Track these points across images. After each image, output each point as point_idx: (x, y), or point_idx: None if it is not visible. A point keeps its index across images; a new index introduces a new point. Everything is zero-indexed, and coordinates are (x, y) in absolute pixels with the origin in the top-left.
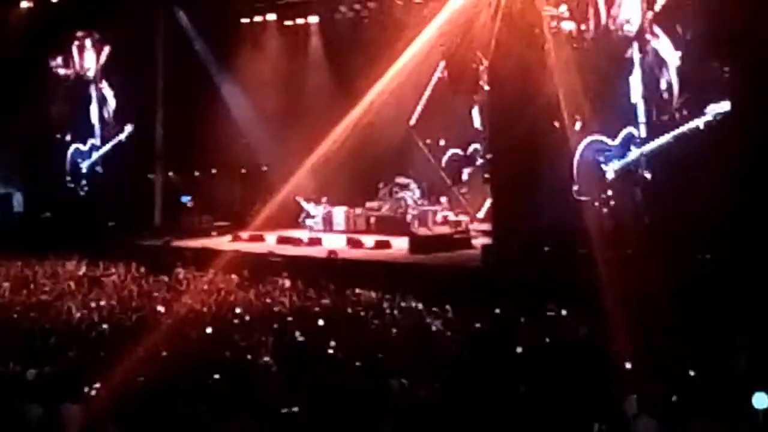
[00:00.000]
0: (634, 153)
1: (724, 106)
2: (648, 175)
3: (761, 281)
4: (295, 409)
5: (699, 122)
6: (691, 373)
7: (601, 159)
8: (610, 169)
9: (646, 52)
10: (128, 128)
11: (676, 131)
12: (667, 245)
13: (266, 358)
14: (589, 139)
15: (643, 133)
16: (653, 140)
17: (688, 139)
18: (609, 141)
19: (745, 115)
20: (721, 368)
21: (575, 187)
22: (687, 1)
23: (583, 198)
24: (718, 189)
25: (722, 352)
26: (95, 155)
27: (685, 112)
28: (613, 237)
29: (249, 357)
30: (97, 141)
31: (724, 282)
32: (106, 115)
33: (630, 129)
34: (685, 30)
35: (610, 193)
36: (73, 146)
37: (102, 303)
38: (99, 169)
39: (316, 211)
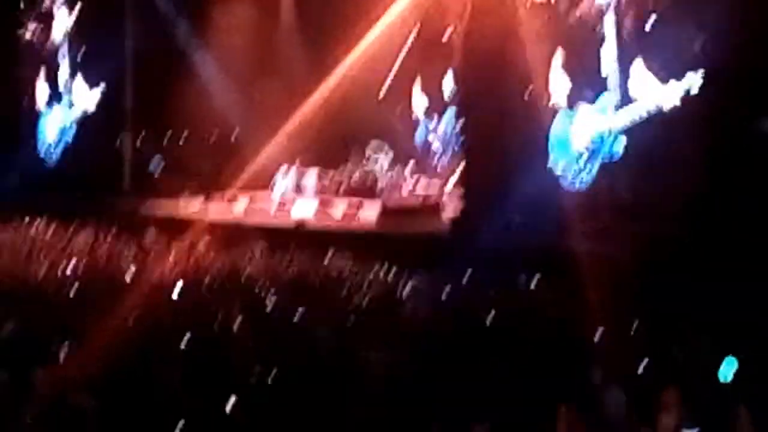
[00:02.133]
0: (605, 124)
1: (696, 79)
2: (620, 149)
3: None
4: (264, 377)
5: (670, 97)
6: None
7: (574, 132)
8: (582, 142)
9: (619, 24)
10: (97, 92)
11: (652, 103)
12: (640, 220)
13: (236, 325)
14: (562, 111)
15: (615, 106)
16: (624, 113)
17: (659, 113)
18: (581, 113)
19: (717, 86)
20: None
21: (550, 160)
22: None
23: (556, 170)
24: (690, 165)
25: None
26: (71, 116)
27: (661, 77)
28: (585, 209)
29: (218, 320)
30: (66, 106)
31: (695, 257)
32: (76, 76)
33: (608, 95)
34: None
35: (582, 166)
36: (42, 111)
37: (70, 265)
38: (70, 132)
39: (288, 174)
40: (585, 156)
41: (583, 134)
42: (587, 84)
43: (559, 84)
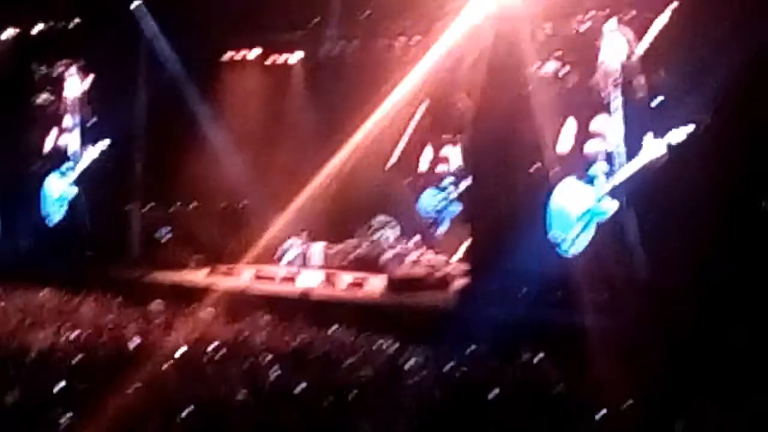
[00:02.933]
0: (601, 189)
1: (686, 130)
2: (614, 210)
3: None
4: None
5: (660, 148)
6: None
7: (572, 201)
8: (580, 210)
9: (627, 95)
10: (104, 143)
11: (638, 164)
12: (647, 290)
13: (239, 395)
14: (563, 182)
15: (607, 173)
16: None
17: (649, 171)
18: (580, 183)
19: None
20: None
21: (550, 231)
22: (669, 45)
23: (557, 241)
24: (690, 224)
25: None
26: (72, 180)
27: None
28: (589, 281)
29: (222, 392)
30: (75, 171)
31: (707, 334)
32: (87, 144)
33: (600, 164)
34: (667, 75)
35: (577, 234)
36: (51, 175)
37: (75, 334)
38: (76, 199)
39: (294, 247)
40: (580, 224)
41: (578, 203)
42: (592, 157)
43: (564, 156)
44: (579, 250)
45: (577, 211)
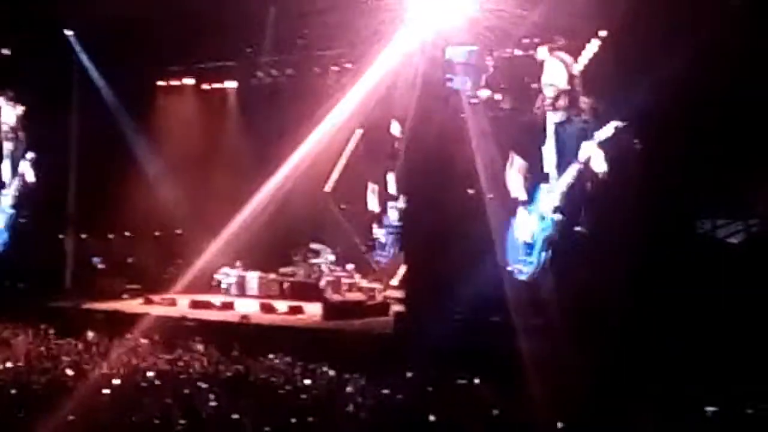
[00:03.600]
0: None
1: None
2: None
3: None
4: None
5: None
6: None
7: (519, 226)
8: (526, 235)
9: (560, 123)
10: (30, 155)
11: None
12: (581, 316)
13: (177, 425)
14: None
15: (556, 202)
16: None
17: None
18: (523, 212)
19: (650, 194)
20: None
21: (498, 256)
22: (602, 71)
23: (504, 266)
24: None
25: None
26: (4, 217)
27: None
28: (527, 306)
29: (157, 422)
30: (8, 200)
31: (638, 348)
32: (18, 173)
33: (541, 188)
34: (599, 100)
35: (526, 260)
36: None
37: (9, 365)
38: (9, 229)
39: (230, 275)
40: (528, 249)
41: (527, 228)
42: (531, 180)
43: (515, 188)
44: (527, 275)
45: (528, 238)
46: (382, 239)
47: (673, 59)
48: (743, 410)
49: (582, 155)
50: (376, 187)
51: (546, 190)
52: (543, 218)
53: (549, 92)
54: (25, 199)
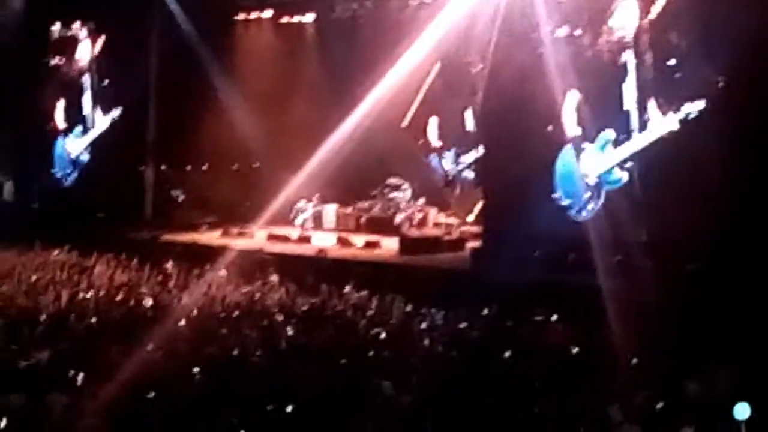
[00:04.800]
0: (611, 157)
1: (699, 105)
2: (626, 180)
3: (752, 291)
4: (282, 406)
5: (673, 123)
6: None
7: (582, 167)
8: (592, 175)
9: (640, 59)
10: (116, 112)
11: (652, 133)
12: (657, 253)
13: (254, 356)
14: (569, 145)
15: (616, 141)
16: (629, 141)
17: (665, 141)
18: (590, 145)
19: (725, 117)
20: (708, 380)
21: (557, 194)
22: (682, 9)
23: (567, 205)
24: (699, 195)
25: (709, 363)
26: (85, 144)
27: (663, 110)
28: (601, 243)
29: (236, 353)
30: (88, 131)
31: (715, 293)
32: (99, 105)
33: (609, 132)
34: (680, 39)
35: (588, 198)
36: (65, 136)
37: (90, 294)
38: (90, 159)
39: (307, 208)
40: (591, 189)
41: (588, 168)
42: (608, 119)
43: (573, 119)
44: (589, 215)
45: (587, 177)
46: (457, 179)
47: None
48: None
49: (659, 125)
50: (436, 119)
51: (616, 137)
52: (609, 171)
53: (624, 31)
54: (103, 137)
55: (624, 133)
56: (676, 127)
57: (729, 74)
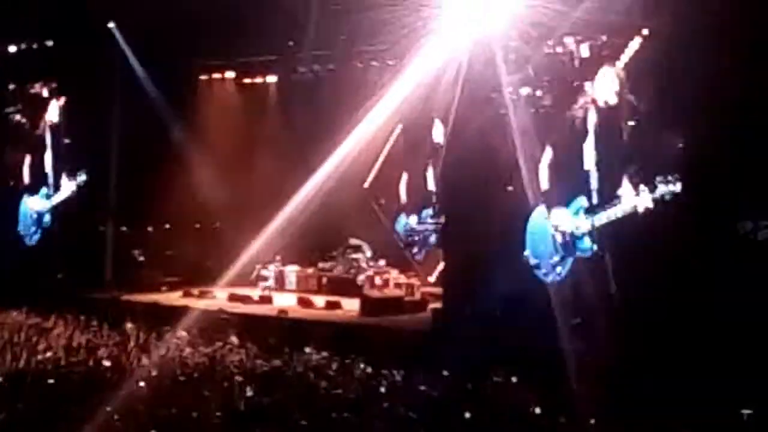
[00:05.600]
0: (583, 223)
1: (676, 186)
2: (595, 247)
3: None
4: None
5: (647, 200)
6: None
7: (553, 227)
8: (560, 237)
9: (601, 119)
10: (81, 177)
11: (625, 207)
12: (618, 316)
13: (214, 418)
14: (541, 207)
15: (594, 201)
16: (602, 211)
17: (635, 215)
18: (561, 209)
19: (694, 193)
20: None
21: (526, 254)
22: (645, 69)
23: (534, 265)
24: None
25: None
26: (47, 205)
27: (635, 183)
28: (564, 304)
29: (195, 415)
30: (50, 190)
31: (679, 352)
32: (60, 164)
33: (581, 198)
34: (641, 99)
35: (559, 260)
36: (26, 195)
37: (48, 355)
38: (51, 219)
39: (269, 270)
40: (561, 254)
41: (560, 231)
42: (568, 179)
43: (542, 182)
44: (557, 278)
45: (558, 241)
46: (418, 239)
47: (717, 59)
48: None
49: (630, 199)
50: (406, 176)
51: (587, 204)
52: (580, 238)
53: (587, 91)
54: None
55: (591, 199)
56: (650, 205)
57: (688, 137)
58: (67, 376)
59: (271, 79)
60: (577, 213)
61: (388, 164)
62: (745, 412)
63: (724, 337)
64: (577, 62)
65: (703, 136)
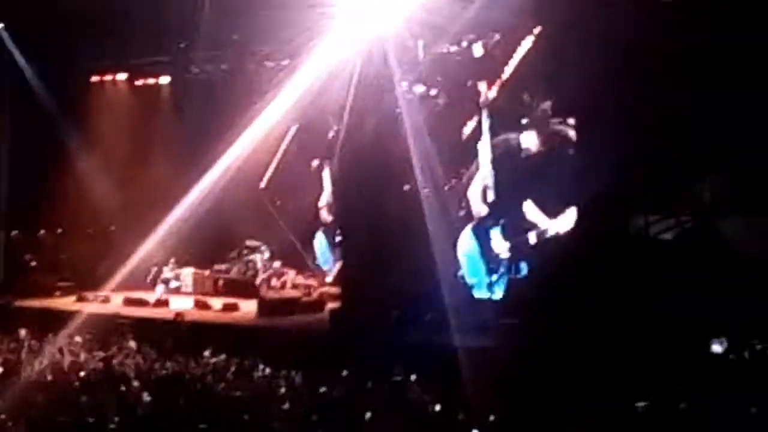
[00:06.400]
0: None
1: (570, 217)
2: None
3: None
4: None
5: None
6: None
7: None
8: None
9: (493, 118)
10: None
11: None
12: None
13: (111, 423)
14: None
15: (491, 199)
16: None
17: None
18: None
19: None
20: None
21: (460, 274)
22: (534, 72)
23: (471, 285)
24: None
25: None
26: None
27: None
28: (459, 303)
29: (91, 420)
30: None
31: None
32: None
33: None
34: (531, 99)
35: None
36: None
37: None
38: None
39: (164, 272)
40: (498, 271)
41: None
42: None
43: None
44: (500, 294)
45: (494, 260)
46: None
47: (606, 57)
48: (675, 406)
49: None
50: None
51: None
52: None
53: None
54: None
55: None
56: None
57: (578, 133)
58: None
59: (164, 80)
60: (504, 234)
61: (283, 164)
62: (640, 404)
63: (625, 333)
64: (470, 62)
65: (594, 132)
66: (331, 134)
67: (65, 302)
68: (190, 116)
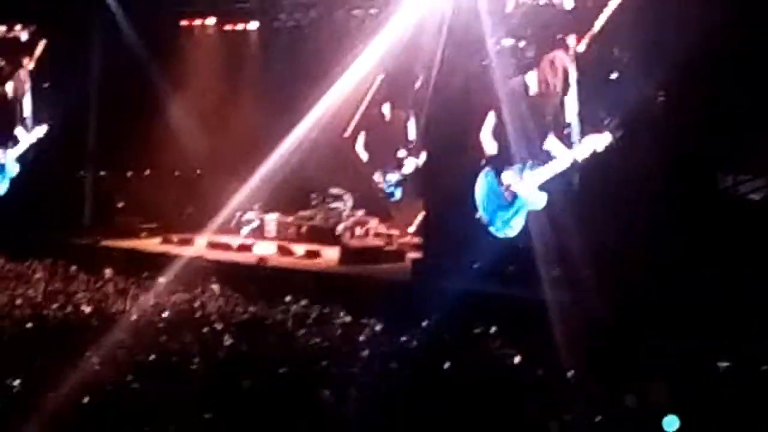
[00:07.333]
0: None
1: (605, 139)
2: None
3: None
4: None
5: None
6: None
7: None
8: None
9: (583, 72)
10: (41, 130)
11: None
12: (600, 266)
13: (193, 364)
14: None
15: (578, 154)
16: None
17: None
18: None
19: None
20: (645, 392)
21: (478, 215)
22: (626, 23)
23: (487, 223)
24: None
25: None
26: (23, 151)
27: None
28: (540, 256)
29: (175, 360)
30: (26, 137)
31: (658, 301)
32: (38, 111)
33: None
34: (621, 53)
35: (511, 216)
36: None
37: (26, 299)
38: (27, 164)
39: (248, 217)
40: (511, 209)
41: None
42: (551, 131)
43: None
44: (515, 232)
45: (506, 197)
46: (399, 190)
47: (703, 11)
48: (757, 368)
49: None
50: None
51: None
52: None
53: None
54: (42, 142)
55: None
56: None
57: (668, 90)
58: (46, 321)
59: (253, 26)
60: (522, 171)
61: (369, 115)
62: (722, 364)
63: (705, 294)
64: (561, 14)
65: (685, 89)
66: (417, 85)
67: (150, 243)
68: (278, 63)
